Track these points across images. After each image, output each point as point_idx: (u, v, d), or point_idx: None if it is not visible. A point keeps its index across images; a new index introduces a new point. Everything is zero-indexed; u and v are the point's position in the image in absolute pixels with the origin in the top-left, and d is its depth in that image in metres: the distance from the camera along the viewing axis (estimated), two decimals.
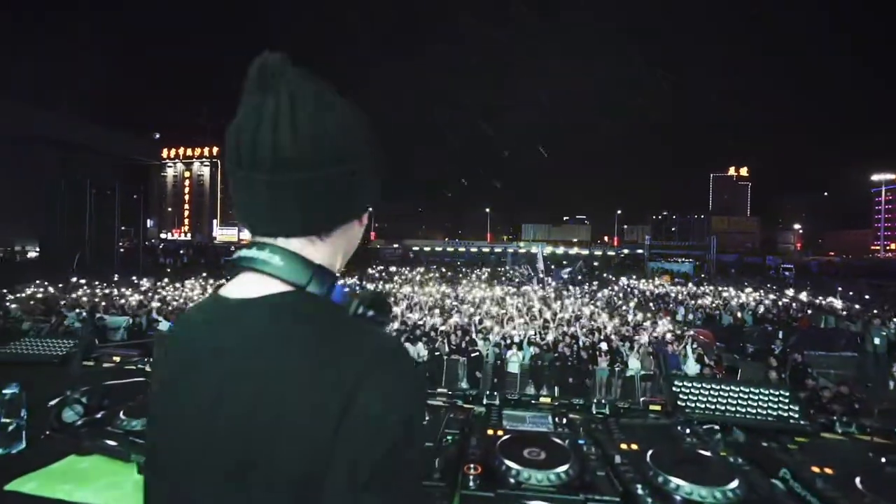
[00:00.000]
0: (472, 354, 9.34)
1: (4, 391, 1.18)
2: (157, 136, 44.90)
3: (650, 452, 1.05)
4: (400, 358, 0.53)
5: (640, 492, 0.92)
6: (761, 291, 22.52)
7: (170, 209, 79.70)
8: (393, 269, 33.61)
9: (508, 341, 10.25)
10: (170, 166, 79.21)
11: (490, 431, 1.16)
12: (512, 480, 0.93)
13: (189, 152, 74.61)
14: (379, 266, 36.58)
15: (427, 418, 0.53)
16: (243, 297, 0.57)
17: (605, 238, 74.26)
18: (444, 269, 35.04)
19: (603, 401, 1.66)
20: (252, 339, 0.53)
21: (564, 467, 0.96)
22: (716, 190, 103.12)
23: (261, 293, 0.56)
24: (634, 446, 1.14)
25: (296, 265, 0.56)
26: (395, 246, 60.13)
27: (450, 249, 59.85)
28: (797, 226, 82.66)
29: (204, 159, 75.74)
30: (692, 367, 8.39)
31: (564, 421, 1.33)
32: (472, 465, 0.98)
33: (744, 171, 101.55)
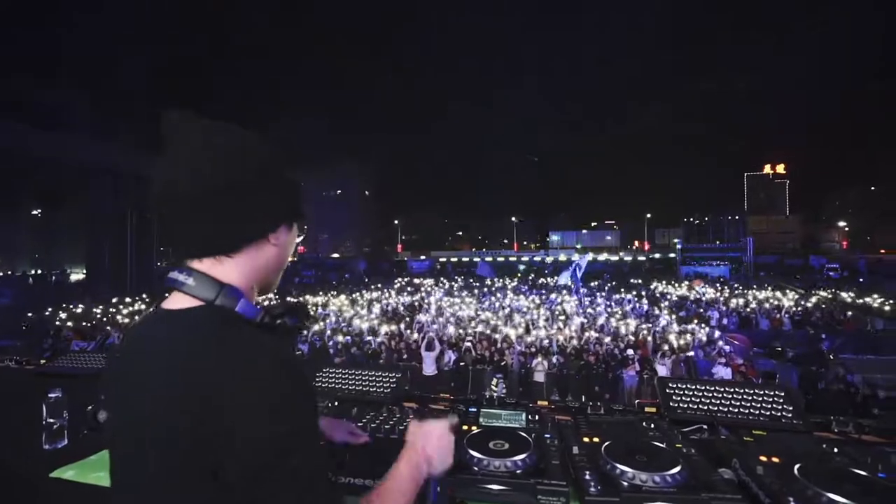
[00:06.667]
0: (501, 364, 9.36)
1: (50, 395, 1.37)
2: None
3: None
4: (251, 365, 0.60)
5: None
6: (802, 293, 21.48)
7: None
8: (417, 280, 33.80)
9: (534, 350, 10.20)
10: None
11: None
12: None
13: None
14: (406, 278, 36.88)
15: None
16: (168, 309, 0.69)
17: (636, 243, 72.30)
18: (471, 280, 34.98)
19: (598, 403, 1.71)
20: (153, 341, 0.67)
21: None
22: (751, 189, 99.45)
23: (180, 307, 0.68)
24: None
25: (203, 283, 0.67)
26: (423, 257, 60.50)
27: (476, 259, 59.71)
28: (842, 223, 77.58)
29: None
30: (722, 373, 8.13)
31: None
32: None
33: (780, 169, 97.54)
